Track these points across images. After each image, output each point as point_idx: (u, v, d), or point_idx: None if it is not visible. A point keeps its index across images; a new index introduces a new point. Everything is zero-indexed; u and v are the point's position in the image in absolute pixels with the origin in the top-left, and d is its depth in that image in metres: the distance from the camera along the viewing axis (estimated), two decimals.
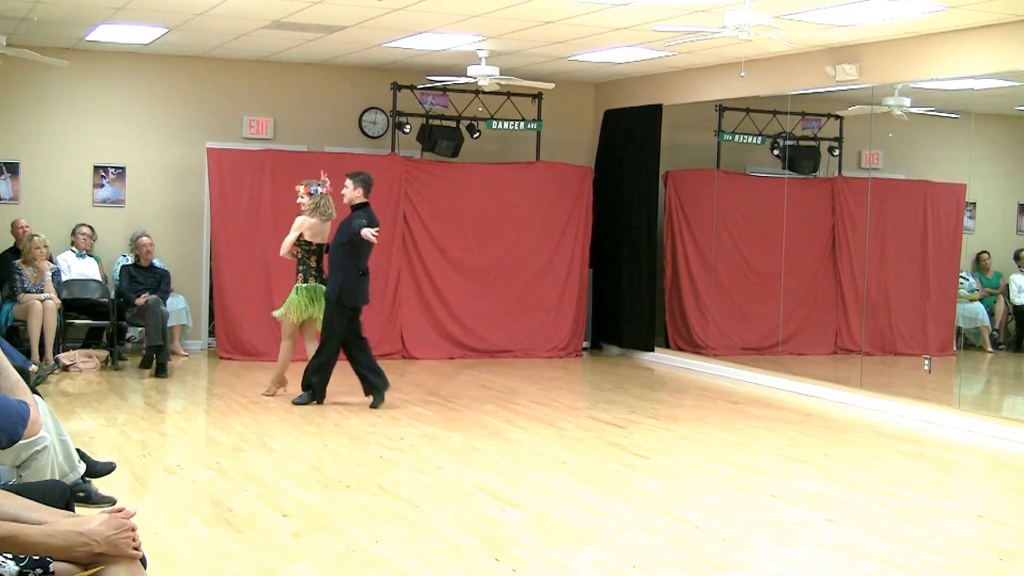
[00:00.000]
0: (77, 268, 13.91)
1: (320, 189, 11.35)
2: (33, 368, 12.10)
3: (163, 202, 14.95)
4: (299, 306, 11.35)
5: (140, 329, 13.87)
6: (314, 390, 11.32)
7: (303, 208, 11.38)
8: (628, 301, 15.89)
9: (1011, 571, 6.48)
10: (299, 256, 11.41)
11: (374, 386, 11.29)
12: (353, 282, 11.12)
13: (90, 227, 14.21)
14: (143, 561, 4.02)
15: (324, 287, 11.27)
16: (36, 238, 13.15)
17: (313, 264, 11.40)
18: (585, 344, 16.20)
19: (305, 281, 11.35)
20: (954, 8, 10.28)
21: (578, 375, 14.55)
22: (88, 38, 13.50)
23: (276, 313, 11.65)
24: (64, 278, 13.63)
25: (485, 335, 15.42)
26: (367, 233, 10.81)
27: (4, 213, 14.21)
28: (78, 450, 6.95)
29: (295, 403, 11.26)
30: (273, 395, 11.66)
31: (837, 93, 13.38)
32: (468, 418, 10.86)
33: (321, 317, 11.32)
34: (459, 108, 15.45)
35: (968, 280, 14.85)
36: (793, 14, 10.60)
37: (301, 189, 11.43)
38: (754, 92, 14.09)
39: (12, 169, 14.38)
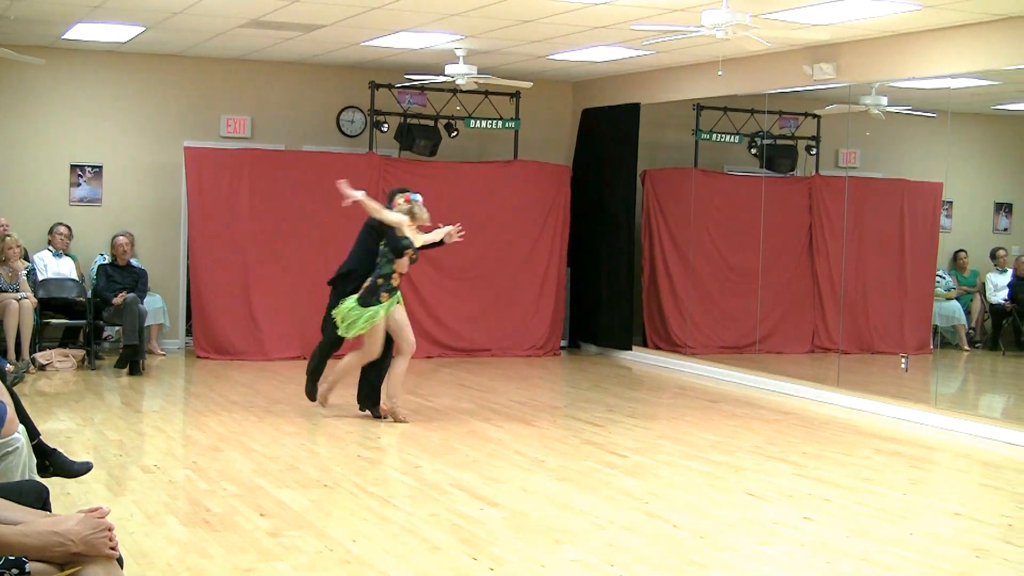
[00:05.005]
0: (54, 267, 13.86)
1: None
2: (9, 368, 12.08)
3: (140, 201, 14.90)
4: None
5: (117, 328, 13.84)
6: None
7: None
8: (606, 300, 15.90)
9: (988, 568, 6.51)
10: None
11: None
12: None
13: (67, 226, 14.16)
14: (120, 561, 4.01)
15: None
16: (8, 238, 13.08)
17: None
18: (563, 343, 16.22)
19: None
20: (931, 7, 10.32)
21: (556, 374, 14.56)
22: (65, 36, 13.44)
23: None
24: (41, 277, 13.59)
25: (463, 334, 15.41)
26: None
27: None
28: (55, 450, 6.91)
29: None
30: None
31: (814, 92, 13.41)
32: (446, 417, 10.85)
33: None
34: (437, 107, 15.43)
35: (945, 278, 14.91)
36: (770, 13, 10.63)
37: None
38: (732, 91, 14.11)
39: None
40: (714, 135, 15.31)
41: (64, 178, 14.61)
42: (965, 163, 14.23)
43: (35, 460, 6.13)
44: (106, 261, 13.99)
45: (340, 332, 10.45)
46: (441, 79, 13.88)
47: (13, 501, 4.09)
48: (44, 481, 5.32)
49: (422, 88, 15.10)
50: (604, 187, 15.91)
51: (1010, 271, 14.81)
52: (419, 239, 10.40)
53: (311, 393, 10.98)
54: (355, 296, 10.31)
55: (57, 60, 14.17)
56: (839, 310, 14.31)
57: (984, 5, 10.22)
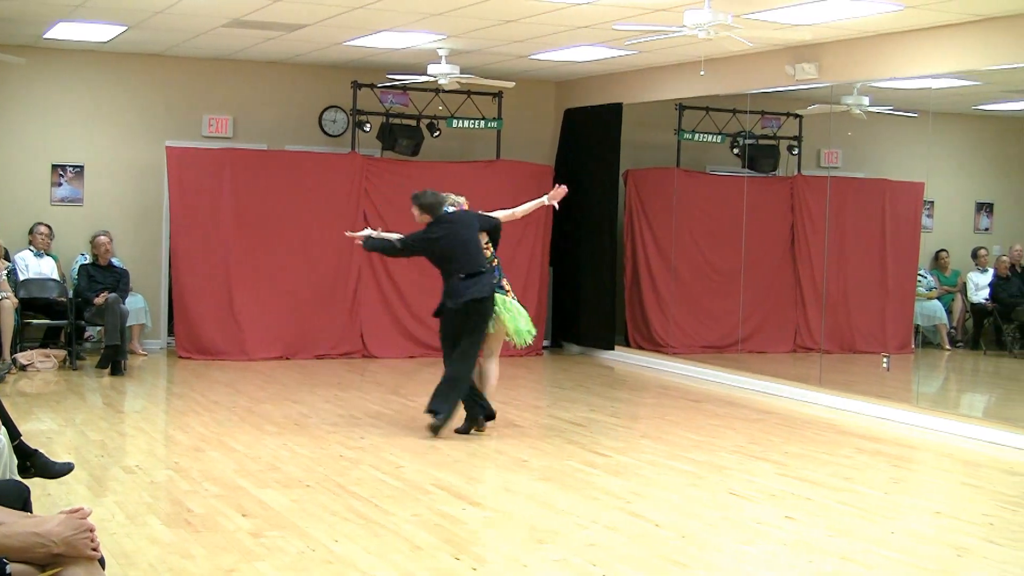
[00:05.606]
0: (35, 267, 13.80)
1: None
2: None
3: (122, 201, 14.86)
4: None
5: (99, 328, 13.80)
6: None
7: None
8: (588, 299, 15.91)
9: (969, 567, 6.53)
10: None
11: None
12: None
13: (48, 226, 14.10)
14: (101, 562, 3.99)
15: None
16: None
17: None
18: (545, 343, 16.21)
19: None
20: (912, 8, 10.35)
21: (538, 373, 14.55)
22: (46, 36, 13.39)
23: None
24: (22, 277, 13.54)
25: None
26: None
27: None
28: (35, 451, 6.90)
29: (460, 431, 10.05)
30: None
31: (796, 92, 13.44)
32: (428, 417, 10.81)
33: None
34: (419, 107, 15.42)
35: (926, 278, 14.94)
36: (752, 13, 10.64)
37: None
38: (714, 91, 14.13)
39: None
40: (696, 135, 15.32)
41: (45, 178, 14.55)
42: (946, 163, 14.28)
43: (16, 461, 6.11)
44: (87, 261, 13.94)
45: (525, 339, 10.15)
46: (423, 79, 13.87)
47: None
48: (25, 482, 5.30)
49: (404, 88, 15.08)
50: (587, 187, 15.89)
51: (991, 271, 14.84)
52: None
53: (476, 418, 10.09)
54: (512, 300, 10.12)
55: (38, 59, 14.12)
56: (821, 310, 14.34)
57: (965, 6, 10.25)
